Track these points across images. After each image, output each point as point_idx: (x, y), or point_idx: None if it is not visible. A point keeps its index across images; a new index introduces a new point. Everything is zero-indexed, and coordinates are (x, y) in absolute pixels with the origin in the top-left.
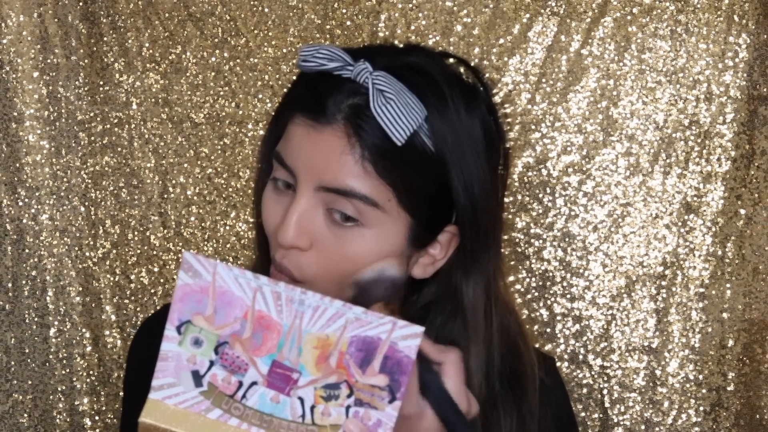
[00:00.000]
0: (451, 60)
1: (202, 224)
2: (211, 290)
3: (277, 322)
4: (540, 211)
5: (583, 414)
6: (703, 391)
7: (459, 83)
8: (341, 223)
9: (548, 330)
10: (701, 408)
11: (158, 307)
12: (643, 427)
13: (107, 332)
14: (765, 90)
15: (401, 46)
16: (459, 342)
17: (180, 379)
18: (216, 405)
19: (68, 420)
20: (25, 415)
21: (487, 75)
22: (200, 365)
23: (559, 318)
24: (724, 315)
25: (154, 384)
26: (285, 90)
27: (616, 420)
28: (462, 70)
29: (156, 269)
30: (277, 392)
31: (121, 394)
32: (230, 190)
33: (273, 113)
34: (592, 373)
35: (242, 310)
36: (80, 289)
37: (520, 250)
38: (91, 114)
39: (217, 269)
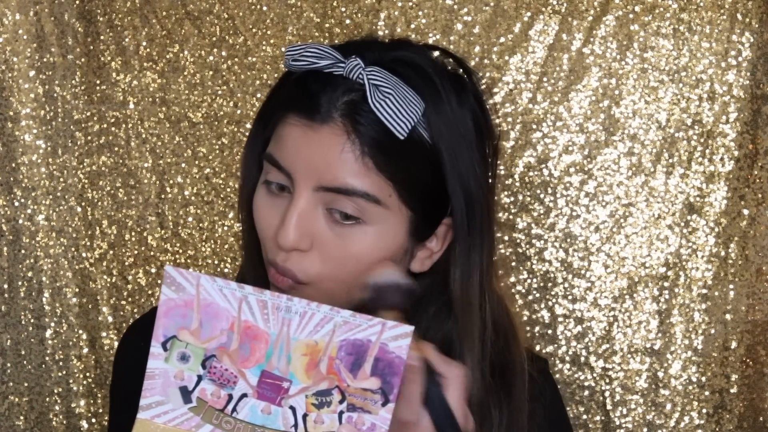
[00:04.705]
0: (437, 53)
1: (200, 225)
2: (195, 303)
3: (264, 332)
4: (541, 211)
5: (585, 416)
6: (706, 393)
7: (448, 75)
8: (342, 222)
9: (549, 332)
10: (704, 410)
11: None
12: (645, 429)
13: (104, 334)
14: None
15: (386, 40)
16: (452, 336)
17: (168, 396)
18: (206, 420)
19: (65, 422)
20: (21, 417)
21: (488, 74)
22: (188, 381)
23: (560, 319)
24: (727, 316)
25: (142, 403)
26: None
27: (618, 422)
28: (446, 61)
29: (153, 270)
30: (268, 403)
31: None
32: (228, 190)
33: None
34: (594, 375)
35: (228, 321)
36: (77, 290)
37: (521, 250)
38: (88, 113)
39: (200, 281)
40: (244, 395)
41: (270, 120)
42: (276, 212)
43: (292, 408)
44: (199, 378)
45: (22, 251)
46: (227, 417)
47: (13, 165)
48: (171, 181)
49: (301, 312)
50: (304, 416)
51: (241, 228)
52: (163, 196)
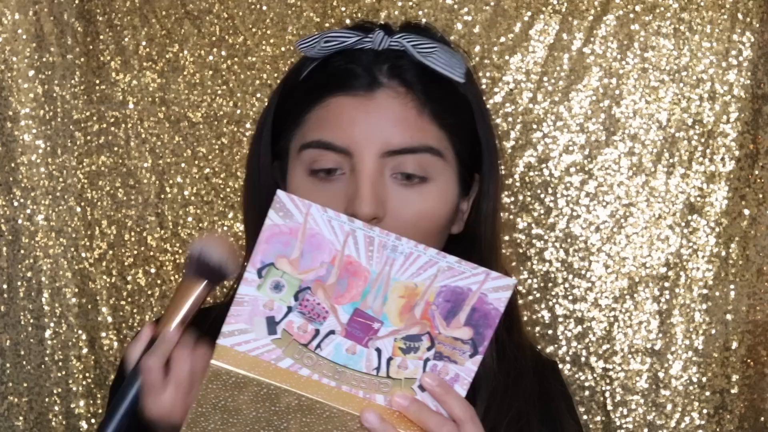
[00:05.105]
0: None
1: (200, 225)
2: (300, 232)
3: (365, 269)
4: (542, 211)
5: (585, 417)
6: (707, 393)
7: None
8: (409, 183)
9: (550, 332)
10: (705, 411)
11: (155, 309)
12: (645, 430)
13: (103, 334)
14: None
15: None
16: None
17: (253, 325)
18: (288, 354)
19: (64, 423)
20: (21, 417)
21: (488, 74)
22: (277, 311)
23: (560, 320)
24: (728, 316)
25: (224, 330)
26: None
27: (618, 423)
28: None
29: (153, 270)
30: (354, 342)
31: None
32: (228, 190)
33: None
34: (595, 375)
35: (330, 254)
36: (76, 290)
37: (521, 250)
38: (87, 113)
39: (311, 210)
40: (332, 332)
41: (298, 114)
42: (333, 195)
43: (378, 350)
44: (289, 309)
45: (22, 251)
46: (310, 353)
47: (13, 165)
48: (171, 181)
49: (407, 253)
50: (389, 360)
51: (242, 227)
52: (162, 196)
